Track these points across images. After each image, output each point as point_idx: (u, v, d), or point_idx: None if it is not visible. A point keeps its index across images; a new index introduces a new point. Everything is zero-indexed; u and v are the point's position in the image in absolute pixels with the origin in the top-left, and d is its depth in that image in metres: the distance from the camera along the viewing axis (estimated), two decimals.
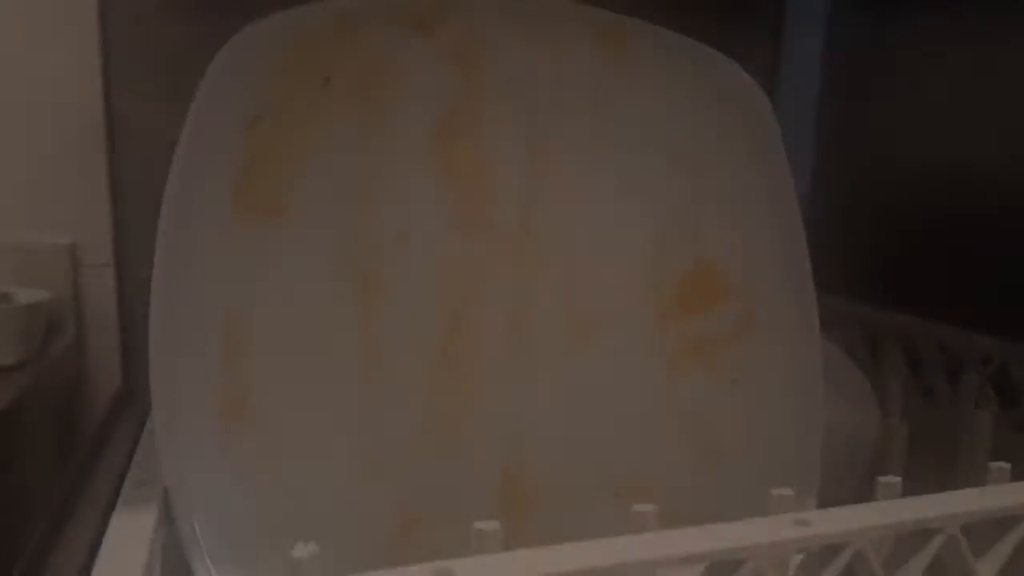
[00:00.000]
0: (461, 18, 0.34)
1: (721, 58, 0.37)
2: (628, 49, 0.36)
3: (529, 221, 0.35)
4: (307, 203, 0.32)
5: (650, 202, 0.37)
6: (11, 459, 0.45)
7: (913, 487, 0.29)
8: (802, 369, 0.37)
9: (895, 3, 0.72)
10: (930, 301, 0.60)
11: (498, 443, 0.34)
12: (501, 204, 0.35)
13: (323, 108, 0.32)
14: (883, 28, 0.74)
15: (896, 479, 0.32)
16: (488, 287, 0.35)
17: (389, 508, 0.32)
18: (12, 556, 0.35)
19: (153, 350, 0.28)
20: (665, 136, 0.37)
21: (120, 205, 0.53)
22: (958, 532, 0.28)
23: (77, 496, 0.39)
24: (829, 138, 0.79)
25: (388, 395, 0.33)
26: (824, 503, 0.41)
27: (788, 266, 0.37)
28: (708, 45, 0.37)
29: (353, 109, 0.33)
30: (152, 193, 0.29)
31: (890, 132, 0.72)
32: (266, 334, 0.31)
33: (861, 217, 0.75)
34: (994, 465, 0.31)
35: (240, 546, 0.29)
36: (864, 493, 0.30)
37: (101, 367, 0.54)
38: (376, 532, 0.32)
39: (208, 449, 0.30)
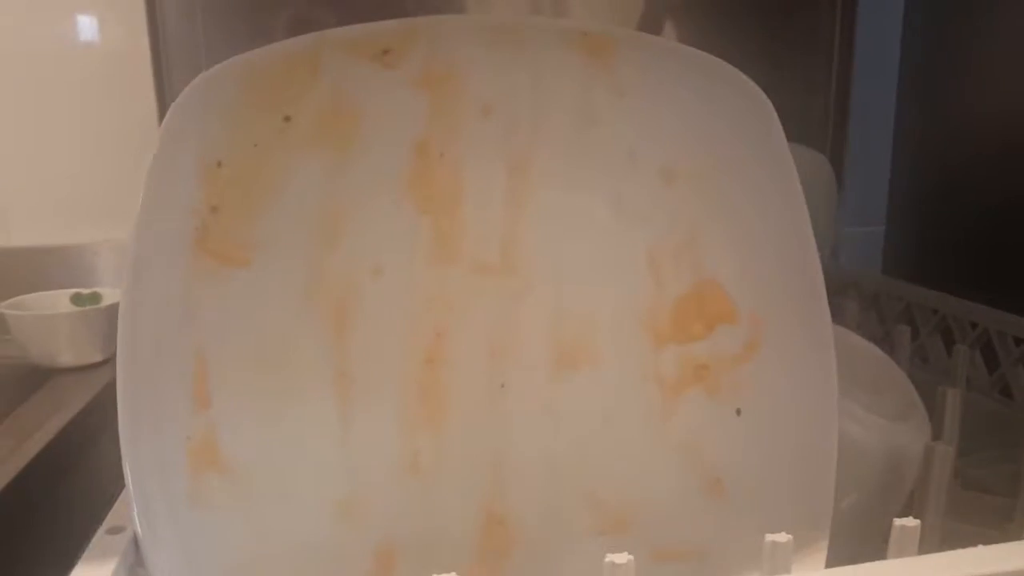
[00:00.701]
0: (427, 44, 0.33)
1: (720, 64, 0.34)
2: (615, 61, 0.34)
3: (510, 249, 0.34)
4: (275, 244, 0.32)
5: (643, 221, 0.35)
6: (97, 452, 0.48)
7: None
8: (815, 396, 0.34)
9: None
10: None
11: (478, 482, 0.33)
12: (480, 233, 0.34)
13: (285, 148, 0.32)
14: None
15: (914, 523, 0.29)
16: (467, 321, 0.34)
17: (364, 550, 0.32)
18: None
19: (121, 397, 0.29)
20: (658, 151, 0.35)
21: None
22: None
23: None
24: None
25: (363, 435, 0.33)
26: (862, 532, 0.39)
27: (799, 283, 0.34)
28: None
29: (318, 146, 0.32)
30: None
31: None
32: (236, 378, 0.31)
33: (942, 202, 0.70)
34: None
35: None
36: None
37: None
38: (350, 575, 0.32)
39: (178, 496, 0.30)
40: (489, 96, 0.34)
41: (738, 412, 0.35)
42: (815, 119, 0.78)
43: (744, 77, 0.34)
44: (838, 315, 0.61)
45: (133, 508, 0.29)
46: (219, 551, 0.30)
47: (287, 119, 0.32)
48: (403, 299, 0.33)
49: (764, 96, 0.34)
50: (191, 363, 0.31)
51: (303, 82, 0.32)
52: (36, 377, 0.55)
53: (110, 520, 0.30)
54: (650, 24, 0.71)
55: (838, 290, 0.67)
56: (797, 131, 0.71)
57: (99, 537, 0.28)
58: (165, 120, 0.30)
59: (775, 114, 0.34)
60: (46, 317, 0.56)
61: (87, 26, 0.63)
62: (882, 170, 0.79)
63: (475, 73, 0.33)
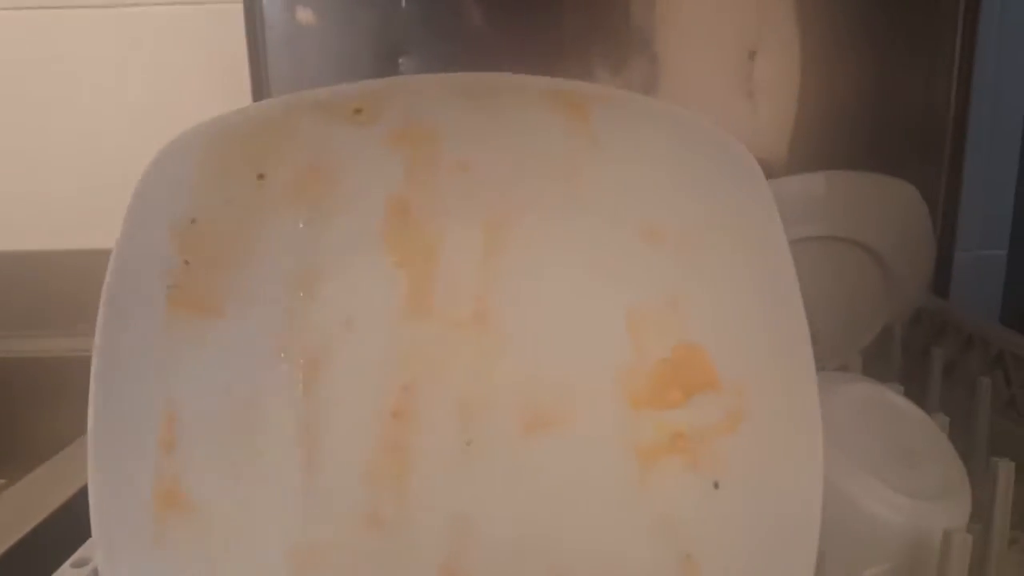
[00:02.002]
0: (402, 102, 0.33)
1: (700, 121, 0.32)
2: (593, 120, 0.33)
3: (484, 307, 0.34)
4: (249, 296, 0.33)
5: (622, 283, 0.34)
6: None
7: None
8: (797, 473, 0.32)
9: None
10: None
11: (439, 540, 0.33)
12: (455, 289, 0.34)
13: (259, 206, 0.33)
14: None
15: None
16: (437, 376, 0.34)
17: None
18: None
19: (91, 440, 0.31)
20: (639, 211, 0.33)
21: None
22: None
23: None
24: None
25: (327, 487, 0.33)
26: None
27: (785, 349, 0.32)
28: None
29: (293, 202, 0.33)
30: None
31: None
32: (203, 426, 0.33)
33: None
34: None
35: None
36: None
37: None
38: None
39: (141, 536, 0.32)
40: (466, 153, 0.33)
41: (716, 485, 0.33)
42: (931, 128, 0.72)
43: (726, 134, 0.32)
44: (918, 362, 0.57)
45: (97, 541, 0.31)
46: None
47: (261, 177, 0.33)
48: (374, 352, 0.34)
49: (749, 154, 0.32)
50: (161, 408, 0.32)
51: (276, 142, 0.33)
52: None
53: (81, 552, 0.32)
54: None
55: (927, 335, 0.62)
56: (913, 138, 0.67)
57: (63, 570, 0.31)
58: (140, 178, 0.32)
59: (761, 173, 0.32)
60: None
61: None
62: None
63: (451, 130, 0.33)
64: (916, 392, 0.57)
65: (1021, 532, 0.46)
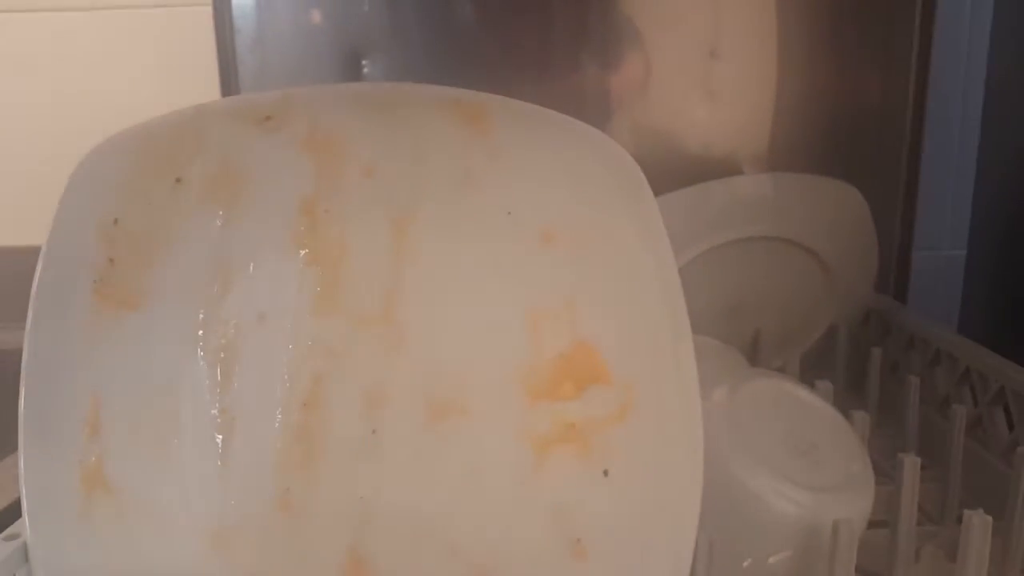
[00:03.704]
0: (308, 110, 0.35)
1: (589, 131, 0.34)
2: (489, 129, 0.35)
3: (391, 303, 0.36)
4: (167, 291, 0.35)
5: (521, 283, 0.36)
6: None
7: None
8: (680, 460, 0.34)
9: None
10: None
11: (345, 523, 0.35)
12: (361, 288, 0.36)
13: (177, 208, 0.35)
14: None
15: None
16: (345, 370, 0.36)
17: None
18: None
19: (22, 423, 0.34)
20: (535, 215, 0.35)
21: None
22: None
23: None
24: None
25: (240, 471, 0.35)
26: None
27: (669, 346, 0.34)
28: None
29: (208, 203, 0.35)
30: None
31: None
32: (125, 412, 0.35)
33: None
34: None
35: None
36: None
37: None
38: None
39: (67, 513, 0.34)
40: (369, 159, 0.36)
41: (605, 473, 0.35)
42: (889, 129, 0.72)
43: (614, 143, 0.34)
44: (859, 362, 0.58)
45: (25, 517, 0.33)
46: (100, 567, 0.34)
47: (178, 180, 0.35)
48: (285, 346, 0.36)
49: (633, 162, 0.34)
50: (86, 394, 0.35)
51: (190, 148, 0.35)
52: None
53: (14, 528, 0.35)
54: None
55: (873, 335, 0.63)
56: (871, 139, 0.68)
57: None
58: (67, 184, 0.34)
59: (644, 180, 0.34)
60: None
61: None
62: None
63: (355, 138, 0.35)
64: (859, 391, 0.59)
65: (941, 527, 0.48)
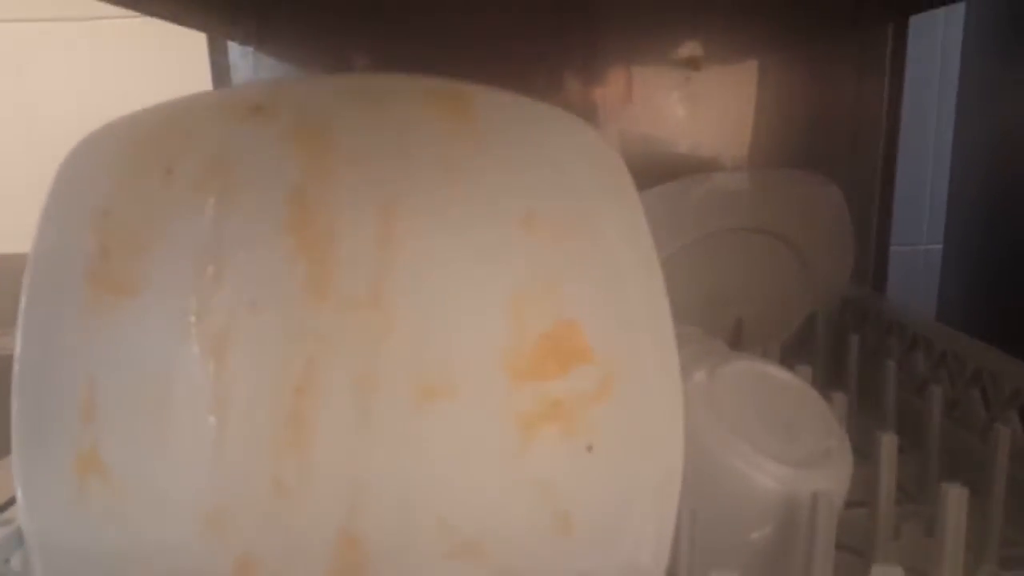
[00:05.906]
0: (295, 101, 0.36)
1: (572, 120, 0.35)
2: (473, 117, 0.36)
3: (379, 288, 0.37)
4: (159, 282, 0.36)
5: (505, 266, 0.37)
6: None
7: None
8: (662, 435, 0.35)
9: None
10: None
11: (338, 504, 0.36)
12: (350, 274, 0.37)
13: (168, 197, 0.36)
14: None
15: None
16: (335, 353, 0.37)
17: (226, 561, 0.36)
18: None
19: (16, 413, 0.34)
20: (518, 203, 0.36)
21: None
22: None
23: None
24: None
25: (234, 455, 0.36)
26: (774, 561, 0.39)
27: (650, 324, 0.35)
28: None
29: (199, 193, 0.36)
30: None
31: None
32: (119, 398, 0.36)
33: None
34: None
35: None
36: None
37: None
38: None
39: (62, 496, 0.35)
40: (356, 148, 0.36)
41: (589, 449, 0.36)
42: (865, 126, 0.74)
43: (596, 133, 0.35)
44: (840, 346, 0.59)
45: (20, 502, 0.34)
46: (94, 550, 0.35)
47: (169, 171, 0.36)
48: (277, 331, 0.37)
49: (615, 151, 0.35)
50: (81, 380, 0.36)
51: (182, 138, 0.36)
52: None
53: (8, 513, 0.35)
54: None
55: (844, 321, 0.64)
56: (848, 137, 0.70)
57: None
58: (56, 176, 0.35)
59: (625, 168, 0.35)
60: None
61: None
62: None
63: (342, 128, 0.36)
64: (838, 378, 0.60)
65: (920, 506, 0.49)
